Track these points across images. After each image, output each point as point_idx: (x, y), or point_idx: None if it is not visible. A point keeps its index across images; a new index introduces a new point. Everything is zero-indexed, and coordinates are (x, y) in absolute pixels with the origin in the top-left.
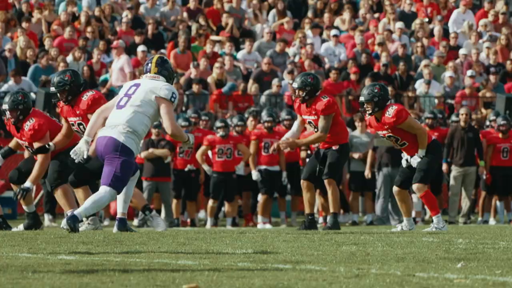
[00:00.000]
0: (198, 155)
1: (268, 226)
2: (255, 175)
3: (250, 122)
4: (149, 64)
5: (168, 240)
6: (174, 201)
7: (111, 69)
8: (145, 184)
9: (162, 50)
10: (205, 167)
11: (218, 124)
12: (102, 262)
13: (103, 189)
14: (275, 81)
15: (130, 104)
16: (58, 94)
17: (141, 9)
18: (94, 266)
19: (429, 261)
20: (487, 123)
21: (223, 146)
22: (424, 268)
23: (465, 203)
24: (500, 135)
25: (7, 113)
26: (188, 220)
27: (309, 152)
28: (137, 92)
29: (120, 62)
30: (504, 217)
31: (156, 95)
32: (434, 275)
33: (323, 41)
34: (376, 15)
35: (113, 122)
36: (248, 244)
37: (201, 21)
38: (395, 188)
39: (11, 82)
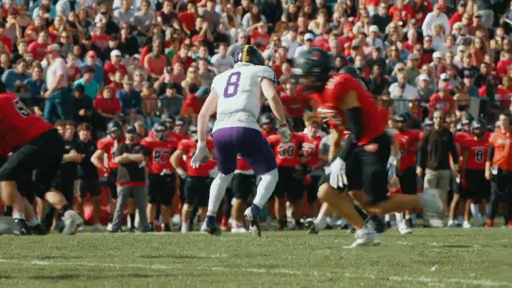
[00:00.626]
0: (172, 159)
1: (242, 230)
2: None
3: None
4: (240, 54)
5: (142, 244)
6: (149, 206)
7: (48, 73)
8: (119, 188)
9: (136, 55)
10: (179, 171)
11: (193, 128)
12: (76, 267)
13: (268, 176)
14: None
15: (241, 90)
16: None
17: (115, 14)
18: (68, 271)
19: (403, 265)
20: (458, 126)
21: None
22: (398, 272)
23: None
24: (475, 138)
25: None
26: (163, 225)
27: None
28: (242, 78)
29: (54, 65)
30: (478, 220)
31: (261, 76)
32: (408, 278)
33: (299, 45)
34: (350, 18)
35: (229, 110)
36: (222, 248)
37: (175, 25)
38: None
39: None
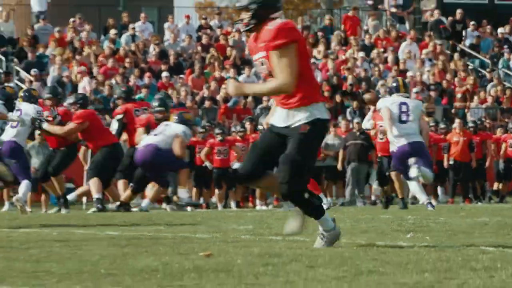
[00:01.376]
0: (202, 154)
1: (264, 207)
2: None
3: (247, 126)
4: (396, 85)
5: (189, 219)
6: (194, 190)
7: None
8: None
9: (182, 75)
10: (207, 164)
11: (217, 131)
12: (139, 236)
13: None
14: (265, 98)
15: (411, 120)
16: None
17: (166, 44)
18: (132, 240)
19: (386, 233)
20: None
21: (221, 147)
22: (382, 238)
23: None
24: (441, 136)
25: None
26: (204, 204)
27: None
28: (410, 110)
29: (83, 82)
30: (443, 198)
31: (421, 112)
32: (390, 243)
33: None
34: (344, 47)
35: (405, 133)
36: (249, 222)
37: (212, 52)
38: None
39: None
